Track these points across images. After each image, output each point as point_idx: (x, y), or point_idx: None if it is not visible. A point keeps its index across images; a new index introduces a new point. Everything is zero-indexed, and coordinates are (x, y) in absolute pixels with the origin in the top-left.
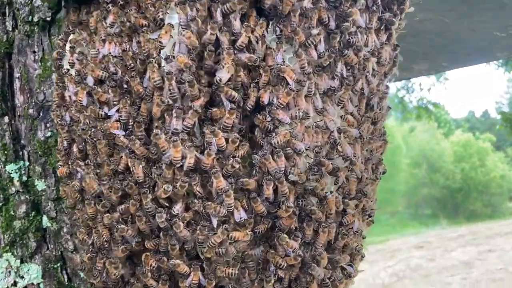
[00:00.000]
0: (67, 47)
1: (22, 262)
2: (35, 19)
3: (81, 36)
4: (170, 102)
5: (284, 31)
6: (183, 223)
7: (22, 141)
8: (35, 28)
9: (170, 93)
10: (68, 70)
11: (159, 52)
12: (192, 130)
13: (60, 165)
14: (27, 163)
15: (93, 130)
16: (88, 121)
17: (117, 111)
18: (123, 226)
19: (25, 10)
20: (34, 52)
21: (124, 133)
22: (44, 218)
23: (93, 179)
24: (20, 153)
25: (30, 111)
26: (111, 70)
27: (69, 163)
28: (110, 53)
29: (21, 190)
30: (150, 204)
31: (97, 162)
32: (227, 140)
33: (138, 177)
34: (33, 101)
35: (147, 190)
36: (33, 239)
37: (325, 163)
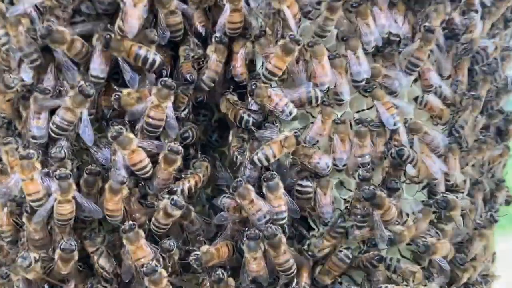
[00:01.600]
0: None
1: None
2: None
3: None
4: (26, 80)
5: None
6: None
7: None
8: None
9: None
10: None
11: None
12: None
13: None
14: None
15: None
16: None
17: None
18: None
19: None
20: None
21: None
22: None
23: None
24: None
25: None
26: None
27: None
28: None
29: None
30: (22, 284)
31: None
32: (154, 158)
33: (2, 231)
34: None
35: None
36: None
37: (381, 200)
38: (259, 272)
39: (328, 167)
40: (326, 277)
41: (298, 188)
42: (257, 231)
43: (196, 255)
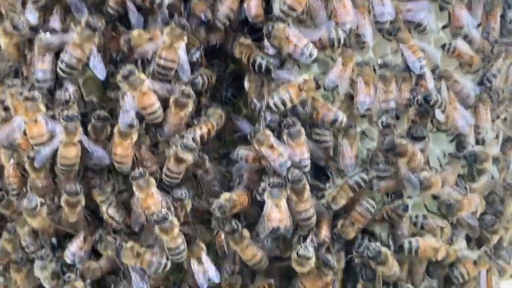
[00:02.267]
0: None
1: None
2: None
3: None
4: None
5: None
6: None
7: None
8: None
9: None
10: None
11: None
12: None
13: None
14: None
15: None
16: None
17: None
18: None
19: None
20: None
21: None
22: None
23: None
24: None
25: None
26: None
27: None
28: None
29: None
30: (28, 238)
31: None
32: (164, 104)
33: (9, 183)
34: None
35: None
36: None
37: (402, 147)
38: (282, 221)
39: (336, 122)
40: (349, 229)
41: (315, 137)
42: (280, 180)
43: (219, 203)
